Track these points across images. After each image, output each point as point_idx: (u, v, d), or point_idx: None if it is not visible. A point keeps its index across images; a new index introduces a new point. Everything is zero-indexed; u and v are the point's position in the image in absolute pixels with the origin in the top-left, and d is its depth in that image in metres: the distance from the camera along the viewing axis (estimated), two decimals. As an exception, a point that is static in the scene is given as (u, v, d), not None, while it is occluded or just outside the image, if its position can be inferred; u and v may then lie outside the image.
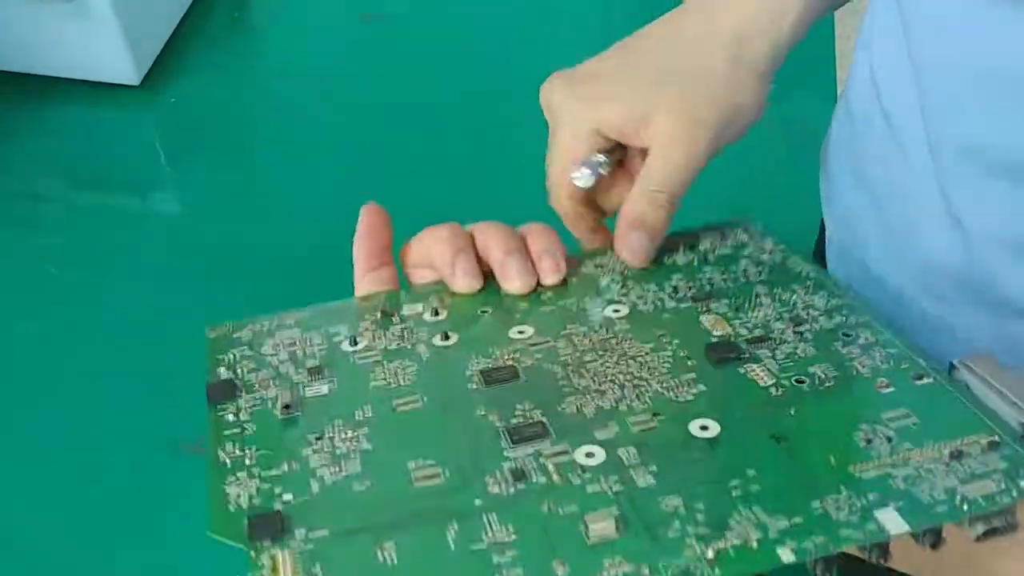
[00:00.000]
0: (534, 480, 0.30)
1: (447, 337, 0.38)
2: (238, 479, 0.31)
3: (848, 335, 0.36)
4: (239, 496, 0.31)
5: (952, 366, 0.34)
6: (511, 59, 0.76)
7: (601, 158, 0.43)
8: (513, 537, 0.28)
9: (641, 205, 0.41)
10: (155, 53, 0.74)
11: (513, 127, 0.71)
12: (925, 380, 0.33)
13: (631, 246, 0.41)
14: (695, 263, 0.42)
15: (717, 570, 0.27)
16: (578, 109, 0.42)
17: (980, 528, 0.28)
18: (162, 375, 0.51)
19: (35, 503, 0.44)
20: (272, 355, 0.38)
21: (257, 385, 0.36)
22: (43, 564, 0.42)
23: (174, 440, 0.46)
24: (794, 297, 0.39)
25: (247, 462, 0.32)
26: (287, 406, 0.34)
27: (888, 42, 0.44)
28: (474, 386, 0.35)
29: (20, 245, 0.59)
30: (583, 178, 0.42)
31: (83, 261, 0.58)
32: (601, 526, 0.28)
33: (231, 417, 0.35)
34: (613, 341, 0.37)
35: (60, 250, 0.59)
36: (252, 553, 0.28)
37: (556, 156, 0.43)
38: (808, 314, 0.37)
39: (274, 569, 0.28)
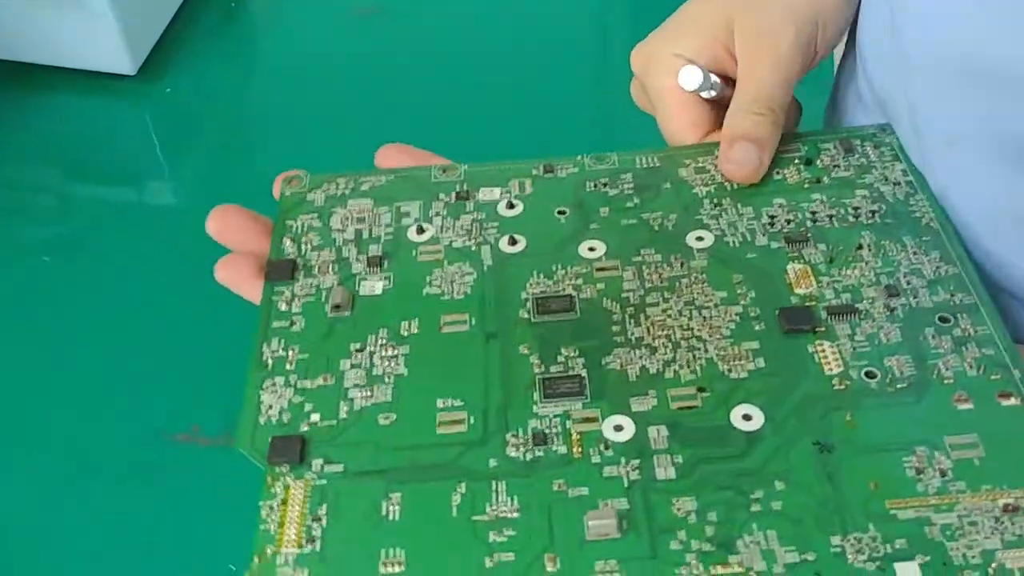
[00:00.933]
0: (553, 448, 0.30)
1: (514, 242, 0.36)
2: (275, 385, 0.32)
3: (945, 320, 0.32)
4: (271, 408, 0.31)
5: (1048, 390, 0.30)
6: (511, 52, 0.68)
7: (711, 75, 0.39)
8: (515, 515, 0.28)
9: (738, 119, 0.38)
10: (151, 43, 0.70)
11: (514, 120, 0.65)
12: (1012, 401, 0.30)
13: (734, 156, 0.38)
14: (805, 185, 0.38)
15: None
16: (663, 50, 0.39)
17: (1008, 602, 0.26)
18: (156, 365, 0.52)
19: (28, 491, 0.46)
20: (339, 230, 0.38)
21: (316, 269, 0.36)
22: (32, 555, 0.44)
23: (167, 430, 0.47)
24: (900, 256, 0.35)
25: (287, 366, 0.33)
26: (337, 306, 0.34)
27: (877, 28, 0.39)
28: (525, 314, 0.34)
29: (14, 234, 0.58)
30: (690, 77, 0.38)
31: (77, 250, 0.57)
32: (601, 523, 0.27)
33: (284, 306, 0.35)
34: (684, 281, 0.34)
35: (54, 239, 0.58)
36: (268, 479, 0.29)
37: (658, 103, 0.40)
38: (908, 284, 0.34)
39: (284, 501, 0.29)
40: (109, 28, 0.63)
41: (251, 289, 0.36)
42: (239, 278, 0.36)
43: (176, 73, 0.69)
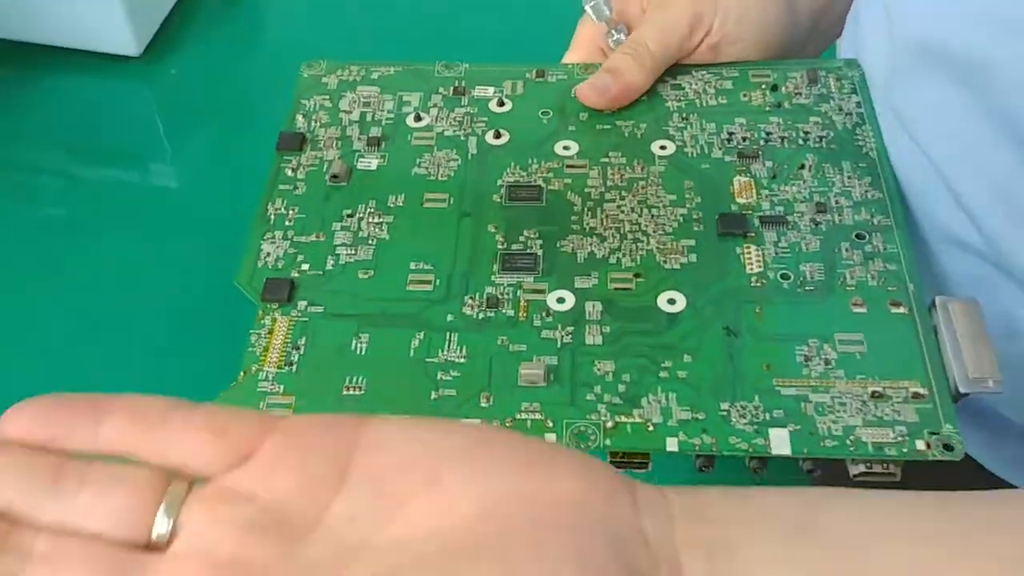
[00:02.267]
0: (503, 311, 0.35)
1: (499, 136, 0.41)
2: (274, 238, 0.37)
3: (861, 237, 0.37)
4: (268, 255, 0.37)
5: (932, 303, 0.35)
6: (520, 36, 0.69)
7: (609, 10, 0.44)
8: (462, 360, 0.33)
9: (618, 56, 0.42)
10: (156, 24, 0.70)
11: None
12: (900, 309, 0.34)
13: (593, 82, 0.42)
14: (767, 108, 0.42)
15: (608, 440, 0.31)
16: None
17: (859, 468, 0.31)
18: (158, 347, 0.55)
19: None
20: (346, 112, 0.42)
21: (322, 143, 0.41)
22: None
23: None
24: (836, 178, 0.39)
25: (286, 223, 0.38)
26: (335, 176, 0.39)
27: (874, 18, 0.42)
28: (498, 198, 0.39)
29: (18, 216, 0.60)
30: (596, 7, 0.43)
31: (81, 232, 0.60)
32: (531, 372, 0.32)
33: (289, 172, 0.40)
34: (641, 184, 0.39)
35: (58, 221, 0.61)
36: (260, 312, 0.35)
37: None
38: (836, 203, 0.38)
39: (271, 331, 0.34)
40: (114, 9, 0.65)
41: None
42: None
43: (181, 55, 0.71)
